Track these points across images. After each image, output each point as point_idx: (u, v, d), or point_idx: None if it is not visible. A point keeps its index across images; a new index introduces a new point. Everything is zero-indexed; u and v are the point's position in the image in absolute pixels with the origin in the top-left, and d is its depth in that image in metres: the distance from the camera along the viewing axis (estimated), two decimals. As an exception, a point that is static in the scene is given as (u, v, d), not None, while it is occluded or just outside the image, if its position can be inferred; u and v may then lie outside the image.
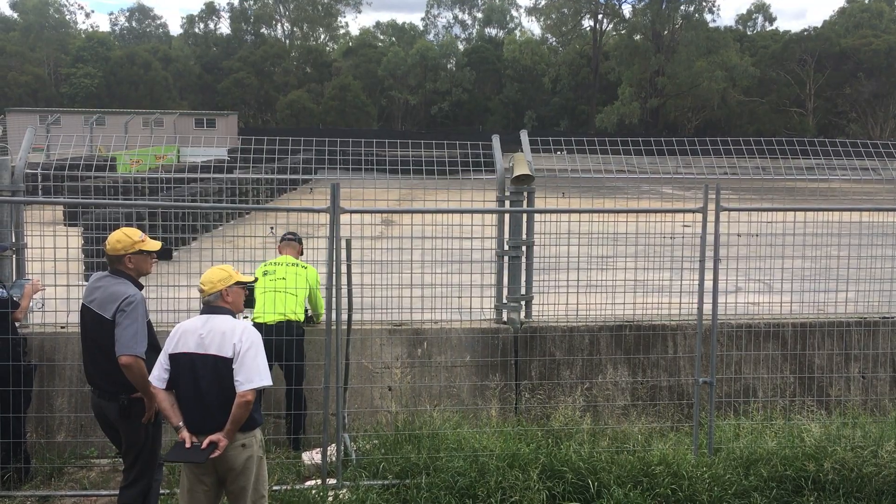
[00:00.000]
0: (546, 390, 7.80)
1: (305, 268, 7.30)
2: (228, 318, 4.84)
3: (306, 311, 7.33)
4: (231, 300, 4.90)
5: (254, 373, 4.65)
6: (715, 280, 6.76)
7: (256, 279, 6.32)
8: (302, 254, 7.59)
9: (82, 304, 5.40)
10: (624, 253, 8.09)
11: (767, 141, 9.39)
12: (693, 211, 6.96)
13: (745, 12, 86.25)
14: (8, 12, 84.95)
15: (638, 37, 76.62)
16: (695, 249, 7.04)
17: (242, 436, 4.74)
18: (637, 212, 7.79)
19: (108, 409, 5.29)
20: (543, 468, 6.23)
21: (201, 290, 4.87)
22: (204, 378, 4.66)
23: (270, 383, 4.82)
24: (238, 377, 4.63)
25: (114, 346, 5.06)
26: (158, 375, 4.77)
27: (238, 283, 4.94)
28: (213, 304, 4.85)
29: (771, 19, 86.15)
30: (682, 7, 75.02)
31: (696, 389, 6.90)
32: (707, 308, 6.83)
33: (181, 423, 4.70)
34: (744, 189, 18.46)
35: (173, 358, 4.74)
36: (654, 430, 7.34)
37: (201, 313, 4.87)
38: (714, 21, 77.97)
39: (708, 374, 6.90)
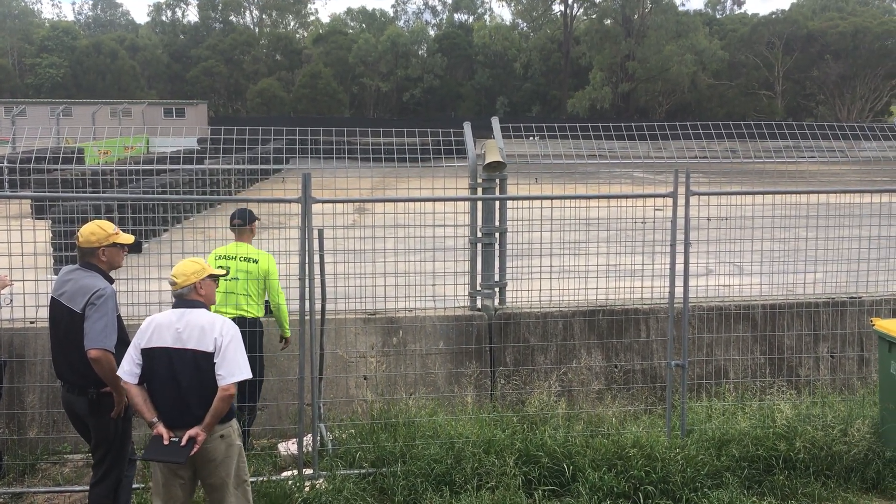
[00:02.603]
0: (521, 376, 7.85)
1: (256, 261, 6.81)
2: (204, 311, 4.79)
3: (267, 302, 7.06)
4: (204, 293, 4.85)
5: (235, 366, 4.64)
6: (686, 263, 6.83)
7: (228, 271, 6.27)
8: (254, 234, 7.14)
9: (52, 297, 5.34)
10: (596, 238, 8.15)
11: (737, 124, 9.48)
12: (663, 195, 7.02)
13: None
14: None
15: (608, 21, 76.82)
16: (666, 233, 7.10)
17: (220, 427, 4.72)
18: (608, 197, 7.83)
19: (78, 404, 5.24)
20: (519, 454, 6.27)
21: (173, 283, 4.79)
22: (182, 373, 4.61)
23: (251, 376, 4.80)
24: (220, 371, 4.61)
25: (82, 340, 5.02)
26: (130, 370, 4.67)
27: (211, 275, 4.91)
28: (186, 298, 4.78)
29: (739, 3, 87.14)
30: (651, -9, 75.32)
31: (669, 372, 6.97)
32: (678, 291, 6.90)
33: (156, 419, 4.64)
34: (714, 172, 18.62)
35: (147, 352, 4.66)
36: (627, 414, 7.41)
37: (174, 307, 4.79)
38: (683, 5, 78.67)
39: (680, 356, 6.97)
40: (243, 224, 6.94)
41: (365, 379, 7.68)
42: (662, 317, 8.08)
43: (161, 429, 4.61)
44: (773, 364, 8.32)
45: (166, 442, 4.57)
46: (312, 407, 6.51)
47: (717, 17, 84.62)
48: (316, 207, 6.42)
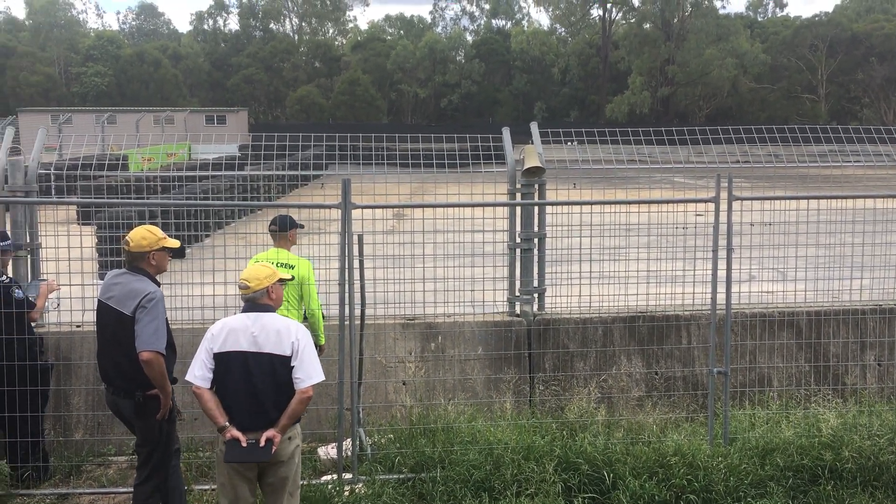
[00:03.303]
0: (560, 382, 7.80)
1: (293, 267, 6.86)
2: (277, 315, 4.86)
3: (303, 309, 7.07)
4: (275, 297, 4.91)
5: (312, 369, 4.73)
6: (728, 269, 6.74)
7: (293, 277, 6.33)
8: (293, 241, 7.17)
9: (99, 301, 5.44)
10: (636, 243, 8.07)
11: (779, 128, 9.33)
12: (705, 201, 6.93)
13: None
14: (17, 13, 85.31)
15: (647, 25, 76.22)
16: (707, 239, 7.01)
17: (290, 429, 4.80)
18: (649, 202, 7.76)
19: (123, 406, 5.33)
20: (559, 460, 6.23)
21: (245, 287, 4.80)
22: (258, 376, 4.66)
23: (324, 378, 4.86)
24: (298, 374, 4.68)
25: (132, 343, 5.10)
26: (202, 375, 4.68)
27: (280, 280, 4.97)
28: (258, 302, 4.82)
29: (782, 5, 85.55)
30: (691, -6, 74.59)
31: (711, 379, 6.88)
32: (721, 298, 6.81)
33: (227, 423, 4.66)
34: (756, 177, 18.33)
35: (221, 357, 4.69)
36: (668, 421, 7.33)
37: (245, 311, 4.82)
38: (724, 8, 77.49)
39: (722, 363, 6.88)
40: (281, 230, 6.99)
41: (403, 384, 7.69)
42: (704, 323, 7.97)
43: (235, 432, 4.63)
44: (817, 372, 8.16)
45: (244, 444, 4.61)
46: (352, 412, 6.54)
47: (759, 19, 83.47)
48: (355, 213, 6.46)
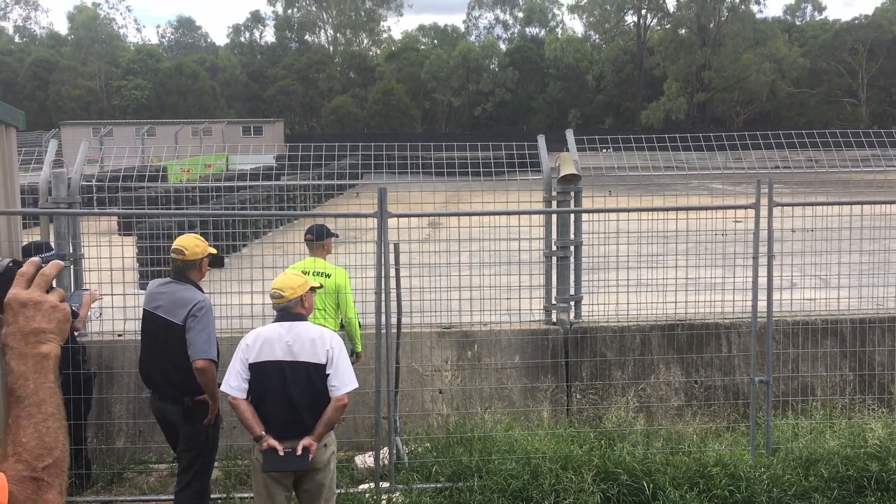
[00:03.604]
0: (598, 391, 7.73)
1: (330, 276, 6.82)
2: (310, 324, 4.90)
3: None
4: (307, 305, 4.95)
5: (347, 377, 4.75)
6: (769, 276, 6.63)
7: (321, 285, 6.37)
8: (329, 250, 7.18)
9: (145, 310, 5.51)
10: (674, 251, 7.98)
11: (820, 133, 9.18)
12: (746, 207, 6.84)
13: (793, 2, 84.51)
14: (59, 28, 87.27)
15: (683, 31, 75.59)
16: (747, 245, 6.91)
17: (325, 435, 4.83)
18: (687, 209, 7.67)
19: (171, 412, 5.40)
20: (597, 470, 6.17)
21: (280, 296, 4.81)
22: (294, 385, 4.68)
23: (358, 385, 4.88)
24: (334, 382, 4.70)
25: (180, 351, 5.19)
26: (238, 386, 4.70)
27: (311, 288, 5.00)
28: (292, 311, 4.84)
29: (820, 8, 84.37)
30: (727, -1, 73.83)
31: (752, 388, 6.77)
32: (762, 305, 6.70)
33: (263, 432, 4.69)
34: (796, 182, 18.05)
35: (256, 367, 4.71)
36: (709, 431, 7.22)
37: (278, 320, 4.83)
38: (761, 12, 76.18)
39: (764, 372, 6.77)
40: (317, 239, 7.01)
41: (440, 393, 7.68)
42: (745, 331, 7.85)
43: (272, 441, 4.65)
44: (862, 381, 7.99)
45: (281, 453, 4.63)
46: (388, 420, 6.54)
47: (797, 23, 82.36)
48: (391, 222, 6.47)
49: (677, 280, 7.84)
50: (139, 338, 5.69)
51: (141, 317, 5.63)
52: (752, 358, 6.81)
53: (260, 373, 4.71)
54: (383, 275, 6.41)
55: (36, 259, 1.58)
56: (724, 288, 7.88)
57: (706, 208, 7.56)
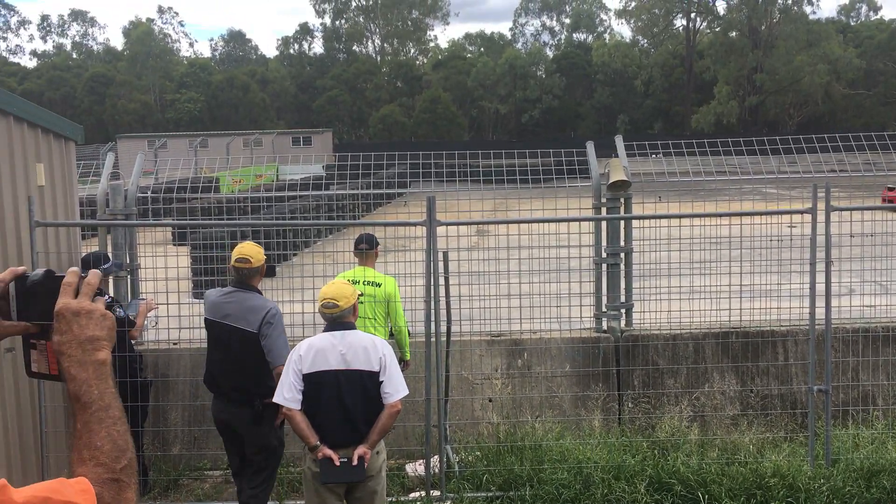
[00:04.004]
0: (650, 400, 7.62)
1: (380, 285, 6.80)
2: (360, 332, 4.93)
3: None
4: (356, 314, 4.99)
5: (399, 383, 4.78)
6: (827, 283, 6.47)
7: (362, 293, 6.41)
8: (377, 256, 7.22)
9: (211, 320, 5.62)
10: (728, 257, 7.84)
11: (878, 135, 8.94)
12: (802, 212, 6.69)
13: (847, 2, 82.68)
14: (115, 44, 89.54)
15: (734, 33, 74.44)
16: (804, 251, 6.75)
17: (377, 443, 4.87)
18: (741, 214, 7.53)
19: (239, 416, 5.51)
20: (650, 480, 6.08)
21: (335, 306, 4.80)
22: (349, 393, 4.71)
23: (408, 392, 4.90)
24: (387, 389, 4.72)
25: (253, 357, 5.37)
26: (293, 397, 4.71)
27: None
28: (344, 320, 4.86)
29: (875, 8, 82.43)
30: (779, 1, 72.44)
31: (811, 398, 6.60)
32: (819, 312, 6.54)
33: (318, 442, 4.71)
34: (854, 186, 17.61)
35: (311, 377, 4.72)
36: (766, 441, 7.07)
37: (329, 330, 4.84)
38: (814, 13, 74.66)
39: (822, 381, 6.60)
40: (370, 248, 7.04)
41: (490, 401, 7.65)
42: (802, 339, 7.67)
43: (327, 451, 4.67)
44: (926, 390, 7.74)
45: (337, 463, 4.66)
46: (439, 428, 6.54)
47: (852, 24, 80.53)
48: (439, 230, 6.48)
49: (731, 287, 7.69)
50: (194, 345, 5.79)
51: (205, 326, 5.74)
52: (810, 366, 6.64)
53: (314, 383, 4.73)
54: (432, 283, 6.42)
55: (75, 269, 1.62)
56: (779, 295, 7.71)
57: (760, 213, 7.41)
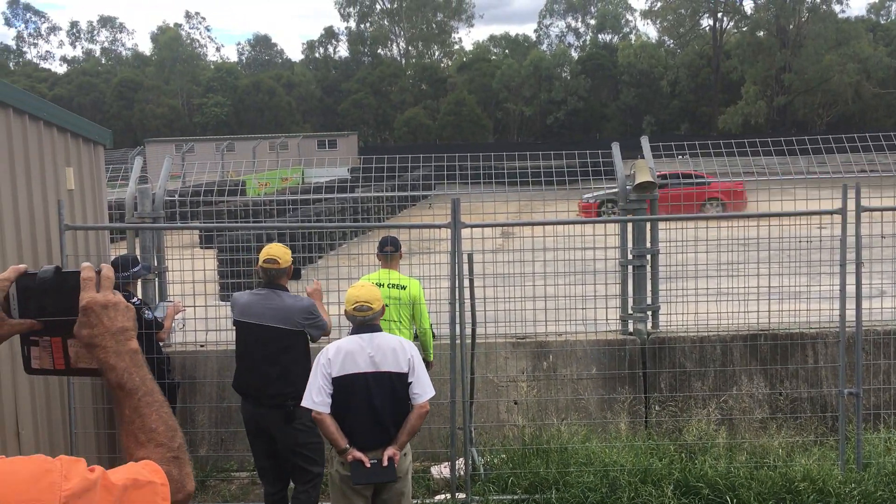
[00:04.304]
0: (677, 403, 7.56)
1: (405, 288, 6.78)
2: (387, 334, 4.95)
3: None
4: (381, 316, 5.01)
5: (426, 384, 4.81)
6: (858, 284, 6.38)
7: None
8: (401, 258, 7.22)
9: (242, 322, 5.67)
10: (756, 258, 7.76)
11: (909, 134, 8.80)
12: (831, 212, 6.60)
13: (877, 0, 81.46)
14: (143, 49, 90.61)
15: (761, 33, 73.65)
16: (834, 252, 6.66)
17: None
18: (769, 215, 7.44)
19: (270, 417, 5.55)
20: (677, 483, 6.03)
21: (369, 309, 4.81)
22: (378, 396, 4.72)
23: (435, 393, 4.92)
24: (416, 390, 4.75)
25: (289, 356, 5.51)
26: (322, 401, 4.71)
27: None
28: (373, 323, 4.87)
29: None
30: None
31: (841, 401, 6.51)
32: (850, 314, 6.45)
33: (348, 445, 4.72)
34: (885, 186, 17.31)
35: (340, 380, 4.72)
36: (795, 445, 6.97)
37: (357, 332, 4.84)
38: (843, 12, 73.56)
39: (853, 384, 6.50)
40: (396, 251, 7.05)
41: (515, 404, 7.63)
42: (832, 341, 7.56)
43: (357, 454, 4.68)
44: (960, 393, 7.59)
45: (367, 465, 4.67)
46: (464, 431, 6.53)
47: (882, 22, 79.32)
48: (464, 232, 6.47)
49: (759, 289, 7.61)
50: (221, 347, 5.84)
51: (236, 329, 5.78)
52: (840, 369, 6.55)
53: (344, 386, 4.73)
54: (457, 285, 6.41)
55: (89, 264, 1.66)
56: (808, 297, 7.61)
57: (789, 214, 7.31)
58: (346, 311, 4.90)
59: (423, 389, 4.76)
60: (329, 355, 4.79)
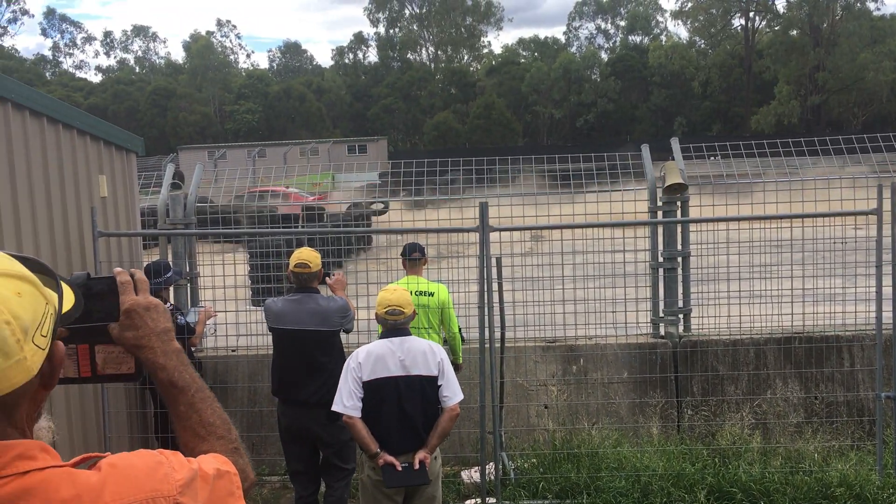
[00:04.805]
0: (710, 407, 7.47)
1: (433, 294, 6.75)
2: (416, 337, 4.95)
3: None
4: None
5: (456, 387, 4.82)
6: (894, 286, 6.25)
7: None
8: (426, 264, 7.22)
9: (279, 329, 5.72)
10: (790, 260, 7.64)
11: (948, 133, 8.61)
12: (867, 213, 6.48)
13: (913, -4, 79.95)
14: (176, 57, 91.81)
15: (794, 32, 72.68)
16: (869, 254, 6.54)
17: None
18: (802, 216, 7.33)
19: (315, 417, 5.61)
20: (711, 489, 5.95)
21: (401, 313, 4.82)
22: (409, 399, 4.74)
23: (463, 396, 4.92)
24: (446, 393, 4.77)
25: (327, 357, 5.62)
26: (353, 405, 4.72)
27: None
28: (404, 327, 4.89)
29: (945, 1, 79.46)
30: (841, -3, 70.57)
31: (879, 405, 6.38)
32: (886, 316, 6.33)
33: (379, 449, 4.73)
34: (922, 186, 16.97)
35: (371, 384, 4.73)
36: (832, 449, 6.86)
37: (387, 336, 4.85)
38: (878, 9, 72.39)
39: (890, 387, 6.37)
40: (422, 257, 7.05)
41: (546, 408, 7.59)
42: (868, 344, 7.42)
43: (388, 457, 4.69)
44: None
45: (399, 468, 4.68)
46: (494, 435, 6.50)
47: (919, 18, 77.86)
48: (493, 236, 6.45)
49: (793, 291, 7.49)
50: (251, 352, 5.88)
51: (273, 336, 5.84)
52: (877, 372, 6.43)
53: (375, 390, 4.74)
54: (486, 289, 6.40)
55: (121, 269, 1.69)
56: (844, 299, 7.48)
57: (823, 215, 7.20)
58: (377, 314, 4.91)
59: (452, 392, 4.77)
60: (359, 359, 4.79)
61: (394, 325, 4.83)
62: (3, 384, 1.26)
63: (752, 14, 75.86)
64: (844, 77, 68.29)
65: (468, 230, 6.62)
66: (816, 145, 8.73)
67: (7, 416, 1.31)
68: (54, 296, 1.40)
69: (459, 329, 7.00)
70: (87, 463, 1.38)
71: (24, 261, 1.36)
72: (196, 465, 1.44)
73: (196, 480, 1.41)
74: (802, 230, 7.51)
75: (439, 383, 4.76)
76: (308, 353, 5.63)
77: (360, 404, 4.73)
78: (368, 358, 4.78)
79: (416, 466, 4.68)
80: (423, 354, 4.78)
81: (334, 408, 4.82)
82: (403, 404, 4.72)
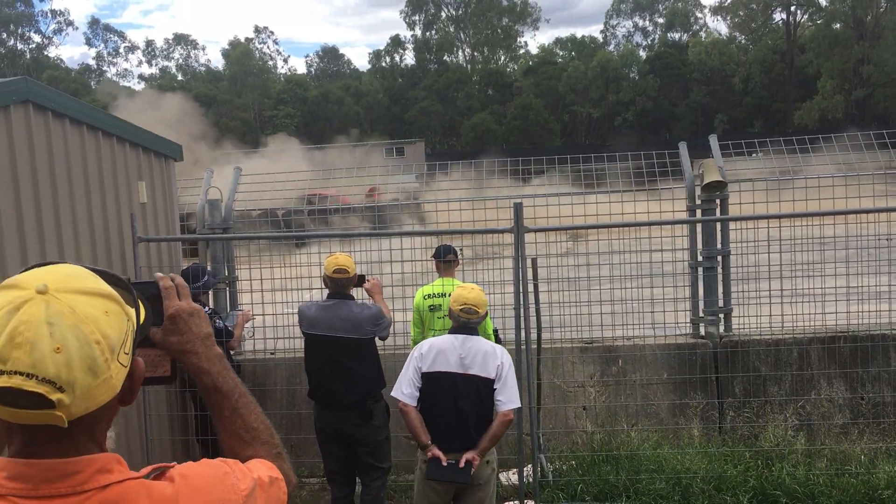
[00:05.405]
0: (752, 408, 7.33)
1: None
2: (482, 338, 4.95)
3: None
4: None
5: (514, 393, 4.79)
6: (943, 283, 6.08)
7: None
8: (458, 265, 7.25)
9: (313, 335, 5.76)
10: (833, 258, 7.48)
11: None
12: (912, 208, 6.31)
13: (962, -15, 77.93)
14: (216, 64, 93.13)
15: (837, 25, 71.28)
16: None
17: (488, 451, 4.85)
18: (846, 213, 7.16)
19: (350, 419, 5.67)
20: (754, 491, 5.85)
21: (475, 312, 4.86)
22: (464, 397, 4.75)
23: (521, 405, 4.90)
24: (500, 397, 4.75)
25: (366, 361, 5.68)
26: (410, 393, 4.81)
27: None
28: (474, 326, 4.90)
29: None
30: (885, -12, 69.02)
31: (928, 406, 6.21)
32: (935, 315, 6.15)
33: (430, 441, 4.77)
34: (972, 180, 16.52)
35: (429, 376, 4.81)
36: (879, 451, 6.68)
37: (455, 332, 4.90)
38: (925, 0, 70.74)
39: (940, 388, 6.20)
40: (456, 258, 7.07)
41: (584, 409, 7.52)
42: (916, 343, 7.23)
43: (436, 451, 4.73)
44: None
45: (444, 464, 4.69)
46: (531, 437, 6.47)
47: (968, 8, 75.86)
48: (529, 236, 6.42)
49: (837, 289, 7.33)
50: (290, 355, 5.92)
51: (307, 340, 5.88)
52: (925, 372, 6.25)
53: (431, 383, 4.79)
54: (522, 290, 6.36)
55: (161, 274, 1.72)
56: (890, 297, 7.30)
57: (867, 211, 7.03)
58: (450, 309, 4.95)
59: (508, 398, 4.74)
60: (423, 350, 4.88)
61: (465, 322, 4.87)
62: (90, 402, 1.30)
63: (793, 8, 74.58)
64: (890, 70, 66.73)
65: (503, 231, 6.59)
66: (860, 140, 8.54)
67: (89, 431, 1.37)
68: (132, 312, 1.43)
69: (495, 330, 6.98)
70: (154, 472, 1.42)
71: (102, 274, 1.40)
72: (256, 473, 1.50)
73: (257, 489, 1.47)
74: (846, 227, 7.34)
75: (495, 387, 4.74)
76: (338, 360, 5.67)
77: (417, 394, 4.79)
78: (431, 350, 4.85)
79: (462, 465, 4.66)
80: (483, 355, 4.78)
81: (393, 394, 4.89)
82: (459, 401, 4.74)
